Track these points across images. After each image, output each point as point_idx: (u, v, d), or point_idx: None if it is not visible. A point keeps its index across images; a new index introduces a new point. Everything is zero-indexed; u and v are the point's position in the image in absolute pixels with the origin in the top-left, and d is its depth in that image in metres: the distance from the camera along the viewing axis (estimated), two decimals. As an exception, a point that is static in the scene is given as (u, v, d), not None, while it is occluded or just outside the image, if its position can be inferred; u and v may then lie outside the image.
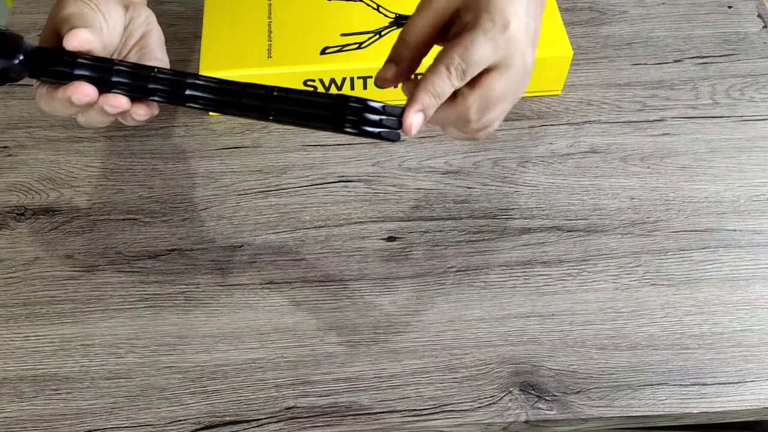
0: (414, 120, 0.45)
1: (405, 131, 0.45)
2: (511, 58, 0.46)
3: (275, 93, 0.46)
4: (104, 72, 0.46)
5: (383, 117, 0.45)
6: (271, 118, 0.46)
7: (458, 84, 0.46)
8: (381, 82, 0.49)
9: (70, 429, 0.54)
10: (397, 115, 0.45)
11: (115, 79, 0.46)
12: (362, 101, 0.44)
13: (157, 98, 0.47)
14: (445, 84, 0.45)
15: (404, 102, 0.46)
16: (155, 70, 0.47)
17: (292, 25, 0.70)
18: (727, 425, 0.66)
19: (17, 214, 0.64)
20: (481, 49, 0.45)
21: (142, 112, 0.47)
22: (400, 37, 0.49)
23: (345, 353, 0.57)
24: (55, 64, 0.46)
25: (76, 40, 0.45)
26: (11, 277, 0.61)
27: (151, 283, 0.60)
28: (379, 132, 0.45)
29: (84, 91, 0.45)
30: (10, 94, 0.72)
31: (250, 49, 0.69)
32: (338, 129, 0.44)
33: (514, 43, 0.46)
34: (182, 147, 0.69)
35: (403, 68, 0.49)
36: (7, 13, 0.80)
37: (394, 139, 0.45)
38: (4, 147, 0.68)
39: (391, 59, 0.49)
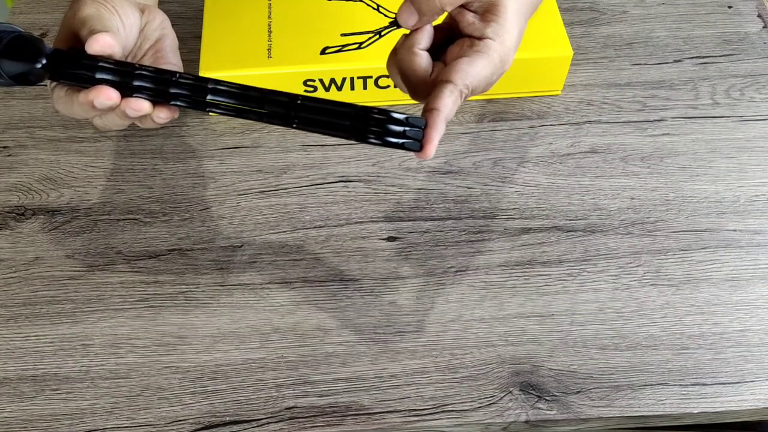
0: (435, 146, 0.46)
1: (426, 157, 0.46)
2: (500, 70, 0.49)
3: (299, 101, 0.45)
4: (126, 76, 0.46)
5: (407, 128, 0.44)
6: (294, 125, 0.46)
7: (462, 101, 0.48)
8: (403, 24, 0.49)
9: (70, 429, 0.54)
10: (420, 126, 0.45)
11: (136, 83, 0.46)
12: (386, 113, 0.44)
13: (179, 103, 0.47)
14: (455, 108, 0.47)
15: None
16: (177, 75, 0.47)
17: (292, 25, 0.70)
18: (727, 425, 0.66)
19: (17, 214, 0.64)
20: (484, 72, 0.47)
21: (163, 116, 0.47)
22: None
23: (345, 353, 0.57)
24: (77, 67, 0.46)
25: (98, 45, 0.45)
26: (11, 277, 0.61)
27: (151, 283, 0.60)
28: (403, 143, 0.45)
29: (107, 95, 0.45)
30: (10, 94, 0.72)
31: (250, 49, 0.69)
32: (362, 139, 0.44)
33: (506, 60, 0.49)
34: (182, 147, 0.69)
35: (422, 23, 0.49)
36: (7, 13, 0.80)
37: (417, 149, 0.45)
38: (4, 147, 0.68)
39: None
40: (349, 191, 0.66)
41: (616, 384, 0.56)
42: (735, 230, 0.63)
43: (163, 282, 0.60)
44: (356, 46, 0.69)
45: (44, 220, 0.64)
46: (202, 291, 0.60)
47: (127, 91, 0.46)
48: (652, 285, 0.60)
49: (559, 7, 0.72)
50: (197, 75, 0.48)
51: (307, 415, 0.54)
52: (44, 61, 0.46)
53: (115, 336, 0.58)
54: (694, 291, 0.60)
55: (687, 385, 0.56)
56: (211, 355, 0.57)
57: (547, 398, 0.55)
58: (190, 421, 0.54)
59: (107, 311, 0.59)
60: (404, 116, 0.44)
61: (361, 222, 0.64)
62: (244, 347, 0.57)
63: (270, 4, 0.72)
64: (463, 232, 0.63)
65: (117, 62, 0.46)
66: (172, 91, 0.46)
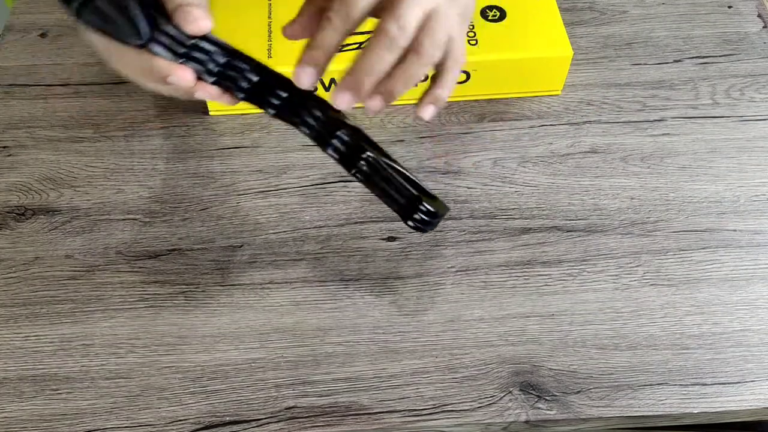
0: (301, 74, 0.46)
1: (297, 82, 0.47)
2: None
3: (367, 155, 0.48)
4: (212, 62, 0.46)
5: (436, 219, 0.50)
6: (353, 171, 0.49)
7: (344, 26, 0.46)
8: (289, 37, 0.51)
9: (70, 429, 0.54)
10: (443, 216, 0.51)
11: (214, 68, 0.46)
12: (430, 210, 0.49)
13: (247, 96, 0.48)
14: (326, 34, 0.46)
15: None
16: (260, 78, 0.47)
17: (292, 25, 0.70)
18: (727, 425, 0.66)
19: (17, 214, 0.64)
20: None
21: (227, 100, 0.47)
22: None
23: (345, 353, 0.57)
24: (167, 37, 0.44)
25: (195, 27, 0.44)
26: (11, 277, 0.61)
27: (151, 283, 0.60)
28: (426, 229, 0.50)
29: (185, 78, 0.44)
30: (10, 94, 0.72)
31: (250, 49, 0.68)
32: (403, 220, 0.50)
33: None
34: (182, 147, 0.69)
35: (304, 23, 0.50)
36: (7, 13, 0.80)
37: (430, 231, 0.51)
38: (4, 147, 0.68)
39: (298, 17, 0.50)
40: (349, 191, 0.66)
41: (616, 384, 0.56)
42: (735, 230, 0.63)
43: (163, 282, 0.60)
44: (356, 46, 0.69)
45: (44, 220, 0.64)
46: (202, 291, 0.60)
47: (203, 71, 0.46)
48: (652, 285, 0.60)
49: (559, 7, 0.72)
50: (279, 75, 0.49)
51: (307, 415, 0.54)
52: (148, 36, 0.43)
53: (115, 336, 0.58)
54: (694, 291, 0.60)
55: (687, 385, 0.56)
56: (211, 355, 0.57)
57: (547, 398, 0.55)
58: (190, 421, 0.54)
59: (107, 311, 0.59)
60: (441, 212, 0.50)
61: (361, 222, 0.64)
62: (244, 347, 0.57)
63: (270, 4, 0.72)
64: (463, 232, 0.63)
65: (214, 43, 0.46)
66: (244, 85, 0.47)
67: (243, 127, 0.70)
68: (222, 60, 0.46)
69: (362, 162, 0.48)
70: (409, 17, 0.46)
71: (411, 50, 0.47)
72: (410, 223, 0.50)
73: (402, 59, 0.47)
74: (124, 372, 0.56)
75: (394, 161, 0.50)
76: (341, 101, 0.48)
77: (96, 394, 0.55)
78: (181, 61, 0.45)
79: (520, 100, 0.72)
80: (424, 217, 0.49)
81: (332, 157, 0.49)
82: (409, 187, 0.49)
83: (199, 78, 0.46)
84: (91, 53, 0.75)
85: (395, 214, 0.64)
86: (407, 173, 0.49)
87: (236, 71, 0.47)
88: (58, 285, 0.60)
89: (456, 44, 0.49)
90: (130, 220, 0.64)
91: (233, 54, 0.47)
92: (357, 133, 0.49)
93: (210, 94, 0.47)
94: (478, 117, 0.71)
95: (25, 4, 0.79)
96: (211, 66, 0.46)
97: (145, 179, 0.66)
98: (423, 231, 0.50)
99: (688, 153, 0.68)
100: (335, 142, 0.48)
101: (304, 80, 0.47)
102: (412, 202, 0.49)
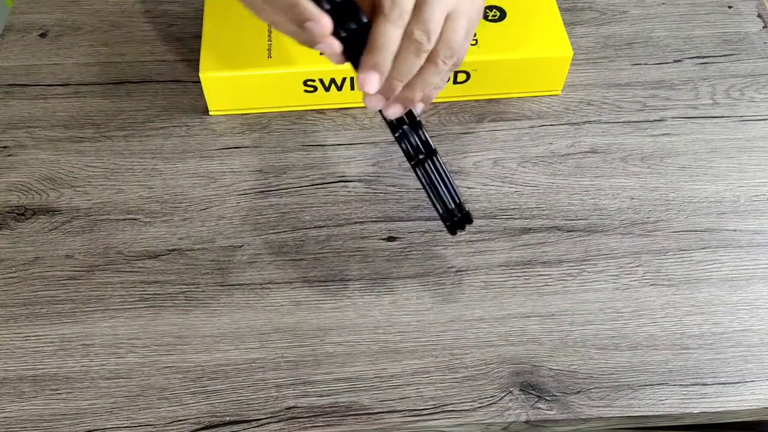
0: (366, 80, 0.47)
1: (360, 88, 0.48)
2: None
3: (436, 157, 0.53)
4: (354, 21, 0.47)
5: (467, 225, 0.56)
6: (414, 163, 0.54)
7: (401, 21, 0.46)
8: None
9: (70, 429, 0.54)
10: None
11: (351, 27, 0.47)
12: (469, 217, 0.55)
13: (353, 66, 0.49)
14: (385, 32, 0.46)
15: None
16: None
17: (292, 25, 0.70)
18: (727, 425, 0.66)
19: (17, 214, 0.64)
20: None
21: (336, 60, 0.48)
22: None
23: (345, 353, 0.57)
24: None
25: None
26: (11, 277, 0.61)
27: (151, 283, 0.60)
28: (457, 233, 0.57)
29: (326, 28, 0.45)
30: (10, 94, 0.72)
31: (250, 49, 0.68)
32: (444, 220, 0.55)
33: None
34: (182, 147, 0.69)
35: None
36: (7, 13, 0.80)
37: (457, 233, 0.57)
38: (4, 147, 0.68)
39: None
40: (349, 191, 0.66)
41: (616, 384, 0.56)
42: (735, 230, 0.63)
43: (163, 282, 0.60)
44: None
45: (44, 220, 0.64)
46: (202, 291, 0.60)
47: (340, 27, 0.47)
48: (652, 285, 0.60)
49: (559, 7, 0.72)
50: None
51: (307, 415, 0.54)
52: None
53: (115, 336, 0.58)
54: (694, 291, 0.60)
55: (687, 385, 0.56)
56: (211, 355, 0.57)
57: (547, 398, 0.55)
58: (190, 421, 0.54)
59: (107, 311, 0.59)
60: (472, 219, 0.56)
61: (361, 222, 0.64)
62: (244, 347, 0.57)
63: (270, 4, 0.72)
64: (463, 232, 0.63)
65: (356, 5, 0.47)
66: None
67: (243, 127, 0.70)
68: (362, 22, 0.47)
69: (427, 158, 0.53)
70: (433, 22, 0.47)
71: (428, 60, 0.48)
72: (448, 223, 0.55)
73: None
74: (124, 372, 0.56)
75: (444, 165, 0.54)
76: (373, 103, 0.48)
77: (96, 394, 0.55)
78: (327, 8, 0.46)
79: (520, 100, 0.72)
80: (463, 221, 0.55)
81: (401, 145, 0.53)
82: (458, 192, 0.54)
83: (333, 32, 0.47)
84: (92, 53, 0.75)
85: (395, 214, 0.64)
86: (453, 180, 0.55)
87: (364, 37, 0.48)
88: (58, 285, 0.60)
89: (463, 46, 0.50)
90: (130, 220, 0.64)
91: (368, 22, 0.48)
92: (425, 132, 0.53)
93: (331, 49, 0.47)
94: (478, 117, 0.71)
95: (25, 4, 0.79)
96: (351, 24, 0.47)
97: (145, 179, 0.66)
98: (453, 233, 0.56)
99: (688, 153, 0.68)
100: (407, 131, 0.52)
101: (370, 85, 0.47)
102: (458, 206, 0.55)
